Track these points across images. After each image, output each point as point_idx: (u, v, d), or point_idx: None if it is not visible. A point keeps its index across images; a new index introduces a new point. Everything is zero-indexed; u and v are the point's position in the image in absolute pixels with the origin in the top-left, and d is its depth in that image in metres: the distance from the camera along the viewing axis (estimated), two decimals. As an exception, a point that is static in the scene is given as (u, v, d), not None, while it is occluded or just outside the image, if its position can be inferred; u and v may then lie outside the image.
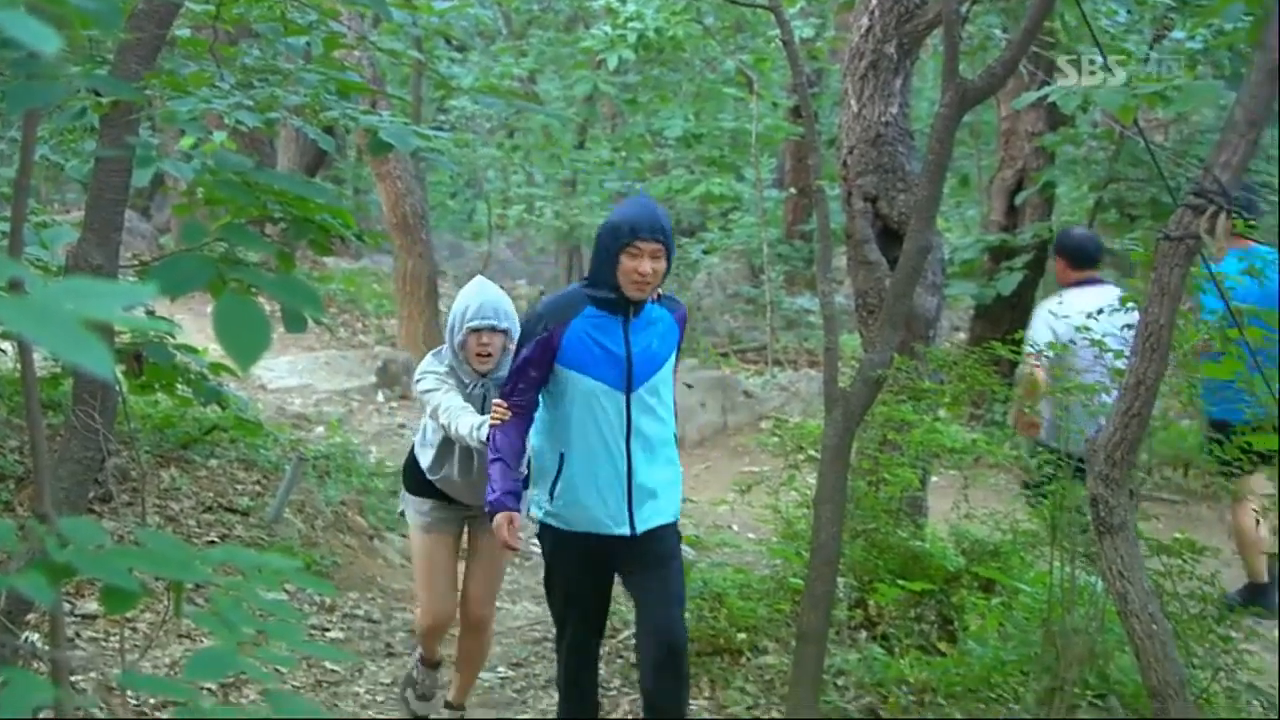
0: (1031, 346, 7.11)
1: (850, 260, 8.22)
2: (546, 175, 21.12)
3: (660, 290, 5.38)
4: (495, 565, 6.27)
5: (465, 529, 6.30)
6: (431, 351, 6.11)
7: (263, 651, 2.36)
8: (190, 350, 8.47)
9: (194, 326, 11.74)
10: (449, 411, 5.74)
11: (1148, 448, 5.70)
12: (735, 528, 10.20)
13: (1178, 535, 6.13)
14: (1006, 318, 12.99)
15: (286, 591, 7.51)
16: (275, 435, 10.24)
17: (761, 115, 16.55)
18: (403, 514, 6.36)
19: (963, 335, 15.31)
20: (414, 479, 6.18)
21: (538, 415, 5.41)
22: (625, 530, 5.30)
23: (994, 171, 14.90)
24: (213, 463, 9.09)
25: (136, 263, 8.92)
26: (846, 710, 6.40)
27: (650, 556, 5.36)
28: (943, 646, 6.69)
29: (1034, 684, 6.06)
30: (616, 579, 5.61)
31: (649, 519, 5.32)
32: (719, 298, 18.79)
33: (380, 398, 14.48)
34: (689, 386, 13.56)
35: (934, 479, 8.31)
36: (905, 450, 7.20)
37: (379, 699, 6.95)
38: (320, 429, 12.11)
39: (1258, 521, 7.23)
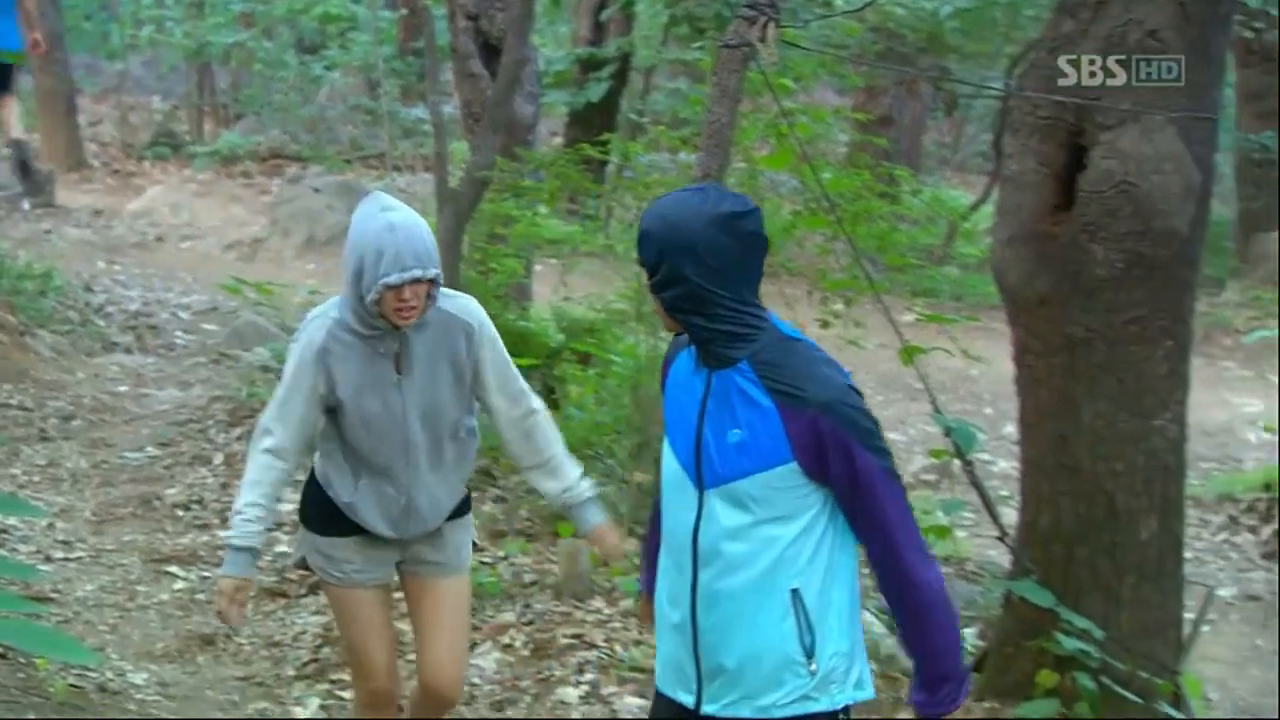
0: None
1: (456, 74, 8.81)
2: (174, -1, 21.59)
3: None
4: (463, 620, 4.30)
5: (398, 568, 4.25)
6: (335, 299, 4.02)
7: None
8: None
9: None
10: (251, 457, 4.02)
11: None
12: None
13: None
14: (597, 122, 14.04)
15: (-64, 384, 7.72)
16: (-80, 241, 10.27)
17: (372, -62, 17.00)
18: (303, 562, 4.38)
19: (559, 139, 16.27)
20: (319, 510, 4.15)
21: None
22: (689, 699, 3.21)
23: (580, -9, 15.85)
24: None
25: None
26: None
27: None
28: (547, 413, 7.45)
29: (625, 441, 6.88)
30: None
31: (722, 702, 3.15)
32: (341, 109, 19.75)
33: (26, 205, 14.76)
34: (317, 191, 14.22)
35: (536, 267, 9.03)
36: (510, 242, 7.89)
37: (35, 479, 7.31)
38: (-34, 235, 12.17)
39: None
